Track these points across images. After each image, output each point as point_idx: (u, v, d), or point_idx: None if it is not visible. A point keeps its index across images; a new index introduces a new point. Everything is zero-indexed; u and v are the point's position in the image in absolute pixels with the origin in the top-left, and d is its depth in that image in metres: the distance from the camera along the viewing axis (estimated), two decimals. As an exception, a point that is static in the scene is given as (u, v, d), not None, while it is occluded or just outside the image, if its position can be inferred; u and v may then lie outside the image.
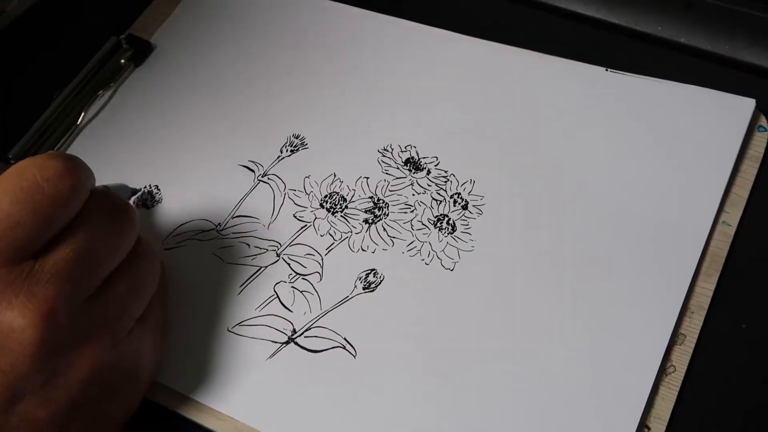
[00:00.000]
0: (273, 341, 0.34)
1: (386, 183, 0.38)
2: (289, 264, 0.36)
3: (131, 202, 0.38)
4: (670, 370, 0.32)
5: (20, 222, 0.25)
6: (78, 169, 0.27)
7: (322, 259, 0.36)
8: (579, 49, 0.40)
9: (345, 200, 0.37)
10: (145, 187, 0.39)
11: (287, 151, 0.39)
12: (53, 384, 0.27)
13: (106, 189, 0.35)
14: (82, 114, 0.42)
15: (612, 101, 0.38)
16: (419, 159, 0.38)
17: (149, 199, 0.39)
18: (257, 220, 0.37)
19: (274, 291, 0.35)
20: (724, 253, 0.34)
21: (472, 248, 0.35)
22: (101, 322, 0.28)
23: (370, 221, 0.37)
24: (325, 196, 0.37)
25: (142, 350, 0.30)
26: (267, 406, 0.32)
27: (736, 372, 0.32)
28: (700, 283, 0.33)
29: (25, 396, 0.26)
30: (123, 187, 0.37)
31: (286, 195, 0.38)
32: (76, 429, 0.28)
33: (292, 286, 0.35)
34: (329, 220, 0.37)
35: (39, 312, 0.25)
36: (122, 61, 0.43)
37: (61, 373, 0.27)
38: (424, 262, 0.35)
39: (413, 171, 0.38)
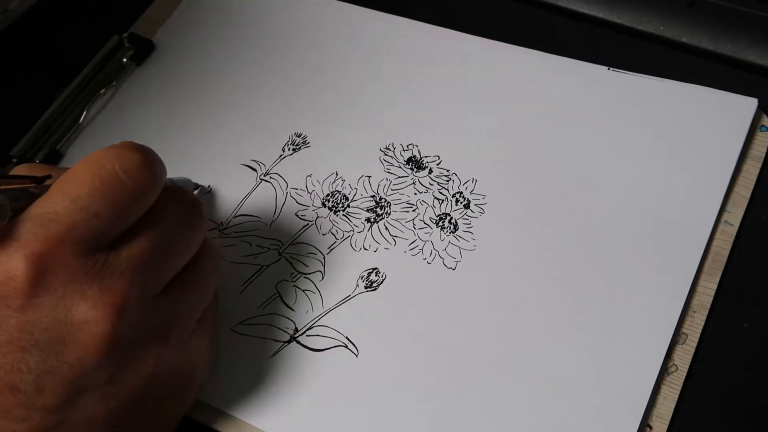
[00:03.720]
0: (275, 340, 0.34)
1: (388, 182, 0.38)
2: (291, 263, 0.36)
3: None
4: (672, 369, 0.32)
5: (98, 213, 0.25)
6: (156, 163, 0.27)
7: (324, 258, 0.36)
8: (581, 48, 0.40)
9: (347, 199, 0.37)
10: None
11: (289, 149, 0.39)
12: (117, 380, 0.26)
13: (173, 183, 0.34)
14: (84, 113, 0.42)
15: (614, 100, 0.38)
16: (421, 158, 0.38)
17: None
18: (259, 219, 0.37)
19: (276, 290, 0.35)
20: (726, 253, 0.34)
21: (474, 247, 0.35)
22: (169, 320, 0.27)
23: (372, 220, 0.37)
24: (327, 195, 0.37)
25: (200, 351, 0.30)
26: (269, 405, 0.32)
27: (738, 371, 0.32)
28: (702, 282, 0.33)
29: (88, 391, 0.26)
30: (186, 181, 0.37)
31: (288, 194, 0.38)
32: (130, 430, 0.28)
33: (294, 285, 0.35)
34: (331, 218, 0.37)
35: (112, 305, 0.25)
36: (124, 60, 0.43)
37: (127, 369, 0.26)
38: (426, 261, 0.35)
39: (415, 170, 0.38)
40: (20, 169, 0.29)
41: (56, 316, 0.24)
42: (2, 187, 0.25)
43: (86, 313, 0.25)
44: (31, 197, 0.25)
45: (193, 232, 0.28)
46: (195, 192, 0.38)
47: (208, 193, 0.38)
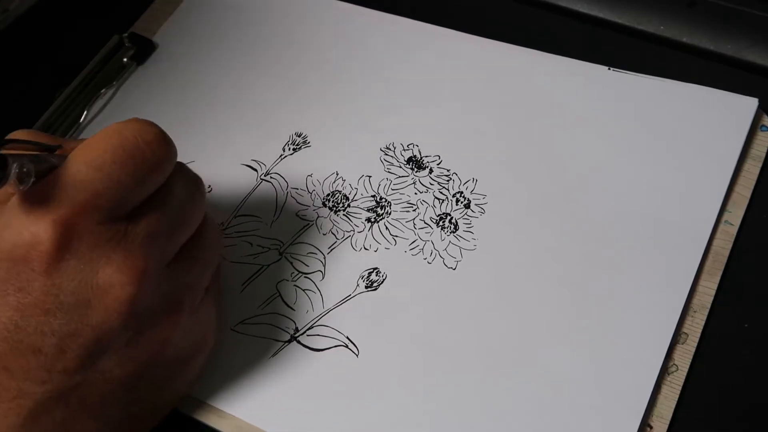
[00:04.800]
0: (275, 339, 0.34)
1: (388, 182, 0.38)
2: (291, 262, 0.36)
3: None
4: (673, 369, 0.32)
5: (120, 182, 0.26)
6: (170, 139, 0.28)
7: (325, 258, 0.36)
8: (582, 48, 0.40)
9: (347, 199, 0.37)
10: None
11: (290, 149, 0.39)
12: (135, 343, 0.27)
13: None
14: (85, 112, 0.42)
15: (614, 100, 0.38)
16: (421, 158, 0.38)
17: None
18: (260, 219, 0.37)
19: (277, 289, 0.35)
20: (727, 252, 0.34)
21: (474, 247, 0.35)
22: (181, 288, 0.28)
23: (373, 220, 0.37)
24: (328, 195, 0.38)
25: (208, 320, 0.31)
26: (269, 405, 0.32)
27: (739, 371, 0.32)
28: (702, 282, 0.33)
29: (108, 353, 0.26)
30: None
31: (289, 193, 0.38)
32: (142, 395, 0.29)
33: (295, 285, 0.35)
34: (332, 218, 0.37)
35: (136, 269, 0.26)
36: (124, 59, 0.43)
37: (145, 333, 0.27)
38: (426, 261, 0.35)
39: (415, 170, 0.38)
40: (20, 134, 0.29)
41: (82, 279, 0.25)
42: (17, 152, 0.26)
43: (112, 277, 0.25)
44: (52, 163, 0.26)
45: (198, 205, 0.29)
46: None
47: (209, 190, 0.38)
